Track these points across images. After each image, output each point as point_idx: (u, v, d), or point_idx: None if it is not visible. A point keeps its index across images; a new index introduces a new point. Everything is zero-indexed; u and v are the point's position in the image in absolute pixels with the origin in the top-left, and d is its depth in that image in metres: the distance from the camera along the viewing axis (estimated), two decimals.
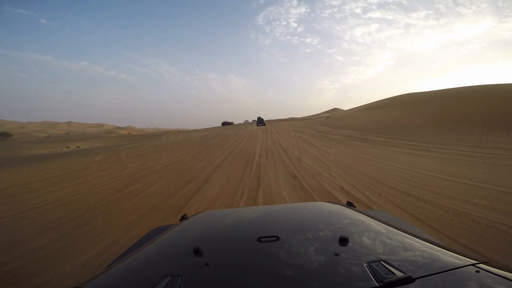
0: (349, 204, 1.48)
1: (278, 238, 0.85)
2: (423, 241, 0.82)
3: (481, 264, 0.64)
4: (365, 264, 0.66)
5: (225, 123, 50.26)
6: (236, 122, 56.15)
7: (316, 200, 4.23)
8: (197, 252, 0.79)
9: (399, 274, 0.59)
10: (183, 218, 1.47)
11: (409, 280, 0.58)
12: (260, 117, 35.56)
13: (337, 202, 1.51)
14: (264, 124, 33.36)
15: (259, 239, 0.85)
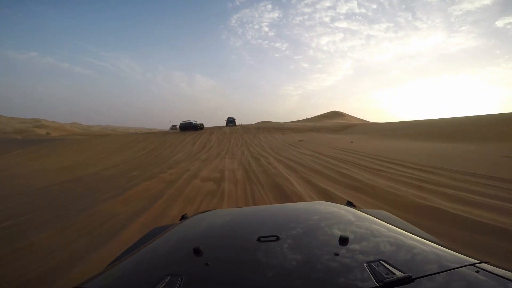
0: (349, 204, 1.45)
1: (278, 238, 0.84)
2: (423, 241, 0.82)
3: (481, 264, 0.64)
4: (365, 264, 0.65)
5: (186, 126, 26.33)
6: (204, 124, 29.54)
7: None
8: (197, 252, 0.78)
9: (399, 274, 0.59)
10: (183, 218, 1.44)
11: (409, 280, 0.57)
12: (231, 117, 30.70)
13: (337, 202, 1.42)
14: (235, 125, 29.43)
15: (258, 239, 0.84)
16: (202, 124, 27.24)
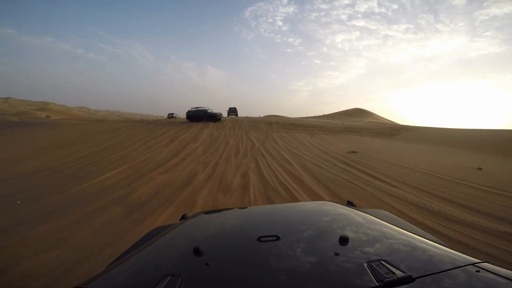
0: (349, 204, 1.45)
1: (278, 238, 0.83)
2: (423, 241, 0.82)
3: (481, 264, 0.64)
4: (365, 264, 0.65)
5: (197, 114, 18.40)
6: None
7: None
8: (197, 251, 0.78)
9: (399, 273, 0.59)
10: (183, 218, 1.45)
11: (409, 279, 0.57)
12: (232, 107, 29.75)
13: (337, 201, 1.42)
14: (237, 115, 28.69)
15: (259, 239, 0.83)
16: (220, 114, 19.27)
